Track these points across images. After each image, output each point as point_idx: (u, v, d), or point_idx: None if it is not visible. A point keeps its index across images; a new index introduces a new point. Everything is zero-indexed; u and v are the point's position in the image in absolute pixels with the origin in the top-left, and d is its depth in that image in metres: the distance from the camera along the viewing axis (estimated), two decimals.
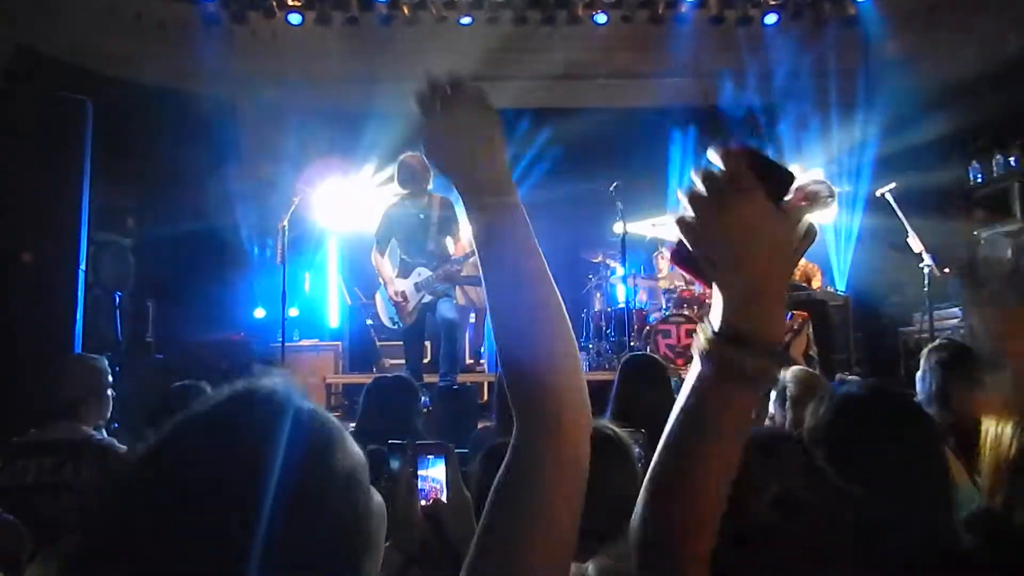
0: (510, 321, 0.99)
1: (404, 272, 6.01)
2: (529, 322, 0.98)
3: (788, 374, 3.26)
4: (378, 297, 6.16)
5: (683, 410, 0.91)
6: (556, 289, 1.01)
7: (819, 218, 6.39)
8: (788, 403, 3.17)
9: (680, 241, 0.91)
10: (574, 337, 1.02)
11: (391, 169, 9.63)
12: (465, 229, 5.81)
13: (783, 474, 2.15)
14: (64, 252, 5.16)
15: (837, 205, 8.57)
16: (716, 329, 0.88)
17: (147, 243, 7.74)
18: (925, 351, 3.13)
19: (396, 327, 6.14)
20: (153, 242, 7.82)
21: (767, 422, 5.59)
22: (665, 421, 0.95)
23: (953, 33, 9.05)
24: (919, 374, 3.05)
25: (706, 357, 0.89)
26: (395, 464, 1.54)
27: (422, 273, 5.89)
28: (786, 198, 0.86)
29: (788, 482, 1.31)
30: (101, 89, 7.02)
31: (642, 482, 0.94)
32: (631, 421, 3.09)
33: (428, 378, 6.17)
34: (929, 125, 8.43)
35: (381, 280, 6.02)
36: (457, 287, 8.82)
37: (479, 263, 1.01)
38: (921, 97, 8.76)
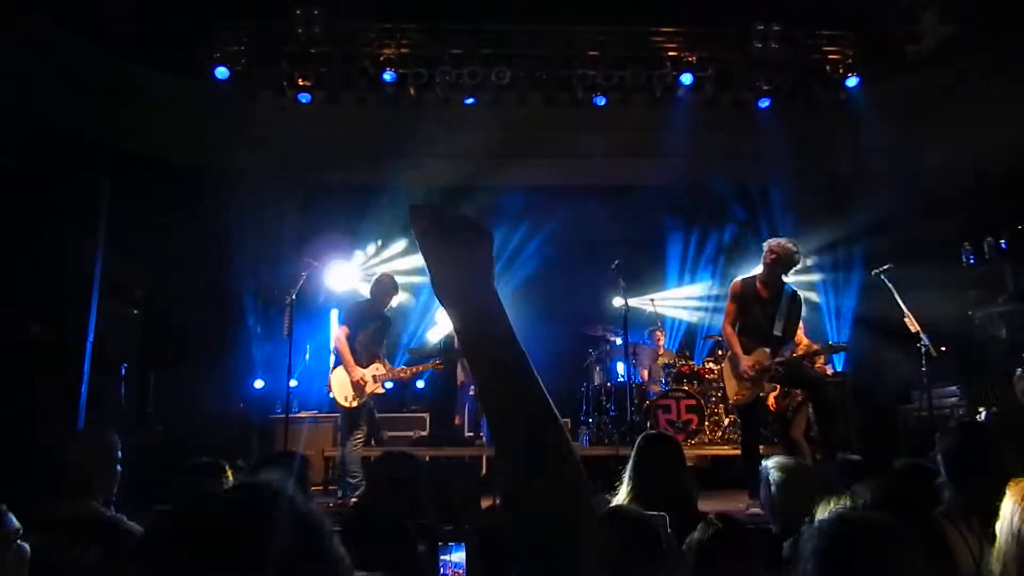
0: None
1: (359, 363, 6.71)
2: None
3: (771, 461, 3.28)
4: (336, 376, 6.72)
5: None
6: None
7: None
8: (772, 490, 3.18)
9: None
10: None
11: (396, 244, 9.92)
12: None
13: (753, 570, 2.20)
14: (74, 325, 5.23)
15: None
16: None
17: (153, 314, 7.82)
18: (938, 434, 3.15)
19: (349, 404, 6.71)
20: (159, 313, 7.91)
21: (751, 507, 5.60)
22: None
23: (941, 118, 9.36)
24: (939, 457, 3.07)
25: None
26: (419, 547, 1.58)
27: (380, 369, 6.78)
28: None
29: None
30: (113, 162, 7.22)
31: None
32: (651, 500, 3.13)
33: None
34: (920, 208, 8.65)
35: (344, 361, 6.66)
36: (458, 362, 8.94)
37: (482, 398, 1.09)
38: (912, 180, 9.01)
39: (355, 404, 6.60)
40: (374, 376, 6.65)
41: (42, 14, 8.06)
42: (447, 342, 8.81)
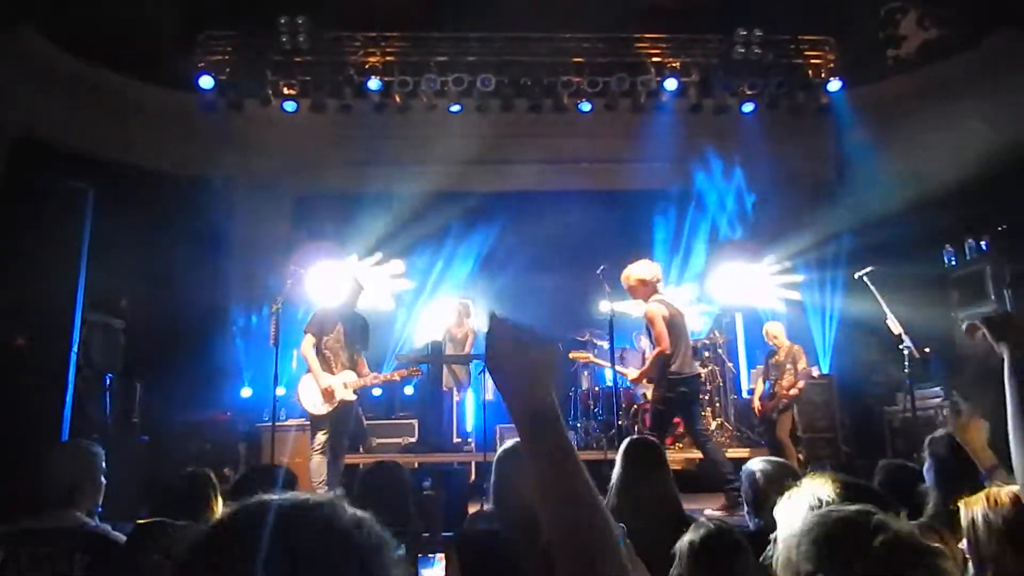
0: (571, 544, 1.09)
1: (327, 369, 6.41)
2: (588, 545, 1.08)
3: (757, 463, 3.30)
4: (303, 383, 6.45)
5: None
6: (606, 511, 1.13)
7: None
8: (755, 488, 3.20)
9: None
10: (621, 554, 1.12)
11: (381, 252, 9.91)
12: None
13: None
14: (57, 336, 5.20)
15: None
16: None
17: (138, 323, 7.78)
18: (927, 440, 3.16)
19: (318, 413, 6.37)
20: (144, 322, 7.87)
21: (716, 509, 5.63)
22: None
23: (922, 122, 9.47)
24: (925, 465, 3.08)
25: None
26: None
27: (350, 375, 6.42)
28: None
29: None
30: (98, 172, 7.20)
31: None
32: (637, 505, 3.15)
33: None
34: (903, 210, 8.75)
35: (311, 370, 6.37)
36: (444, 367, 8.94)
37: (541, 489, 1.12)
38: (894, 183, 9.10)
39: (324, 411, 6.30)
40: (344, 383, 6.36)
41: (26, 25, 8.05)
42: (434, 347, 8.82)
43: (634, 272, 6.59)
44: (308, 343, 6.41)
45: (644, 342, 9.96)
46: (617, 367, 7.08)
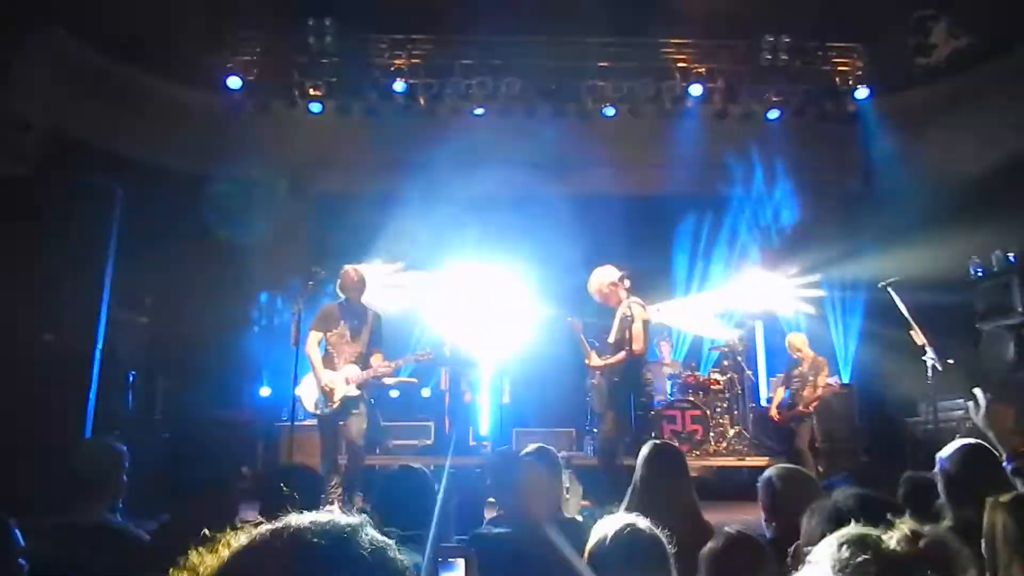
0: None
1: (330, 366, 6.27)
2: None
3: (774, 470, 3.27)
4: (306, 382, 6.34)
5: None
6: None
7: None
8: (773, 496, 3.18)
9: None
10: None
11: (403, 253, 9.93)
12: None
13: None
14: (83, 333, 5.26)
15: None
16: None
17: (162, 321, 7.87)
18: (938, 456, 3.14)
19: (318, 412, 6.28)
20: (168, 320, 7.96)
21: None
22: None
23: (951, 131, 9.35)
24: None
25: None
26: (410, 559, 1.60)
27: (352, 370, 6.21)
28: None
29: None
30: (125, 170, 7.29)
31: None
32: (656, 511, 3.14)
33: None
34: (929, 220, 8.64)
35: (312, 367, 6.26)
36: (442, 370, 8.96)
37: None
38: (921, 193, 8.99)
39: (326, 411, 6.14)
40: (346, 379, 6.13)
41: (56, 25, 8.17)
42: (437, 349, 8.77)
43: (604, 278, 6.55)
44: (312, 340, 6.27)
45: (666, 348, 9.93)
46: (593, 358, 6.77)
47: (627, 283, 6.57)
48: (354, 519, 0.91)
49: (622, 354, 6.28)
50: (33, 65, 8.10)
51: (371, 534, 0.90)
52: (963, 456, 2.93)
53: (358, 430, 6.16)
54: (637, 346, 6.23)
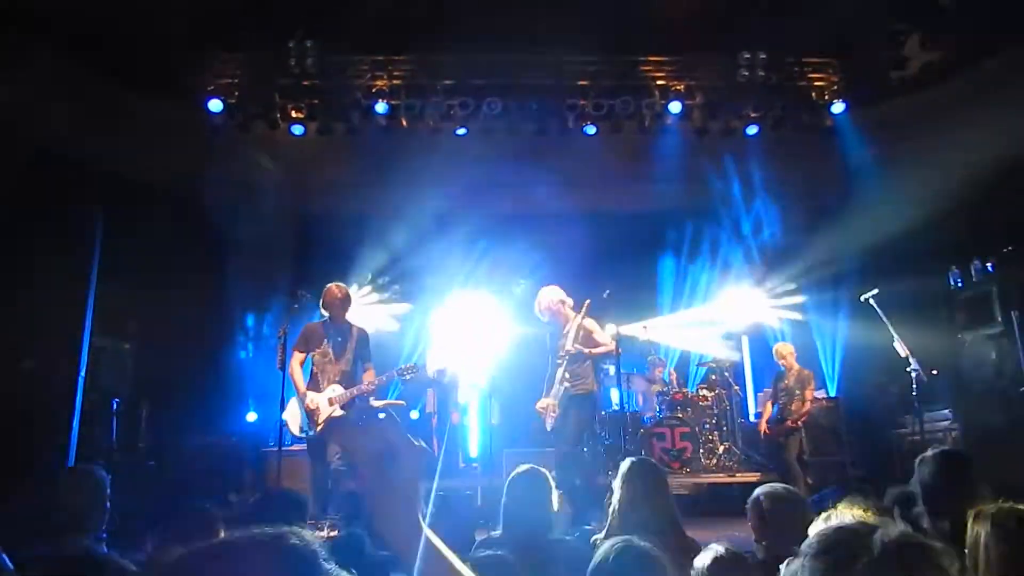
0: None
1: (315, 386, 6.21)
2: None
3: (762, 490, 3.27)
4: (292, 405, 6.26)
5: None
6: None
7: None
8: (762, 516, 3.18)
9: None
10: None
11: (386, 275, 9.91)
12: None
13: None
14: (65, 360, 5.22)
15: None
16: None
17: (146, 347, 7.78)
18: (917, 461, 3.18)
19: (304, 435, 6.22)
20: (152, 345, 7.87)
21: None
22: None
23: (928, 142, 9.46)
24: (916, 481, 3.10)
25: None
26: None
27: (336, 390, 6.14)
28: None
29: None
30: (107, 191, 7.20)
31: None
32: (638, 526, 3.13)
33: None
34: (908, 231, 8.73)
35: (296, 389, 6.20)
36: (429, 391, 8.93)
37: None
38: (899, 204, 9.09)
39: (311, 434, 6.05)
40: (329, 399, 6.06)
41: (41, 41, 8.11)
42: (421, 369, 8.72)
43: (554, 295, 6.75)
44: (295, 360, 6.23)
45: (659, 372, 9.91)
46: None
47: (571, 301, 6.80)
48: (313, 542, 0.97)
49: (605, 351, 6.63)
50: (15, 82, 8.02)
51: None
52: (939, 463, 2.96)
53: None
54: (612, 346, 6.62)
